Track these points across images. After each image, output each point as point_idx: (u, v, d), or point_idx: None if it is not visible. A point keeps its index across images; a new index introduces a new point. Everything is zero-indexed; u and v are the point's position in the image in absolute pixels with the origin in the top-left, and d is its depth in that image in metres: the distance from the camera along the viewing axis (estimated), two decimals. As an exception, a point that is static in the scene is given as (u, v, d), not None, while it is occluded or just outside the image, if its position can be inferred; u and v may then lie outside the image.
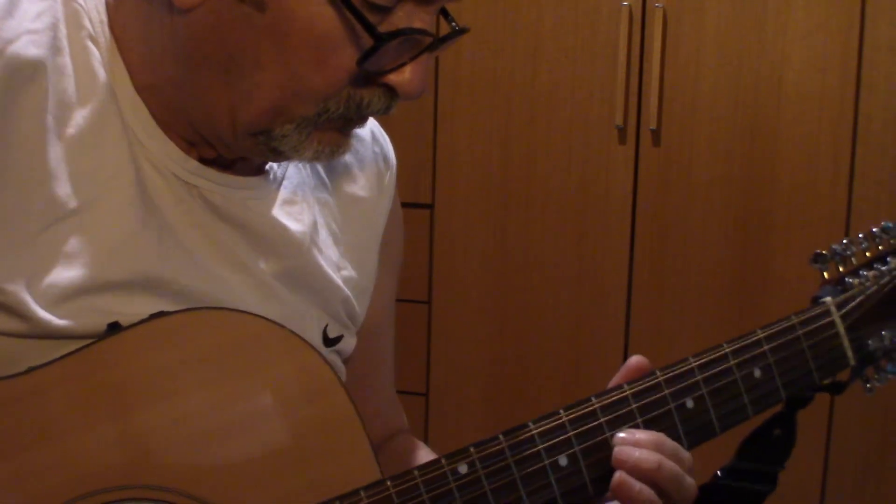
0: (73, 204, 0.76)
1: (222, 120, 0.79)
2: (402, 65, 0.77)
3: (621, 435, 0.81)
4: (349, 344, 0.95)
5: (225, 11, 0.75)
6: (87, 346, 0.73)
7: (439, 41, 0.78)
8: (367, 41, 0.74)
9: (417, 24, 0.76)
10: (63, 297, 0.75)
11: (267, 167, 0.89)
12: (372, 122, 1.01)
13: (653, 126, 2.24)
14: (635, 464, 0.79)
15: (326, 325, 0.91)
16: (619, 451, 0.80)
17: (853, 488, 2.20)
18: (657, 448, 0.80)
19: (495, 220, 2.39)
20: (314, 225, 0.91)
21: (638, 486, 0.79)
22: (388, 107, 0.80)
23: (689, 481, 0.81)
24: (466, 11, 2.29)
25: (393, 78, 0.77)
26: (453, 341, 2.44)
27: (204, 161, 0.84)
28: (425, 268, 2.43)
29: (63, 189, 0.76)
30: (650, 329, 2.31)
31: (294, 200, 0.90)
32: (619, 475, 0.79)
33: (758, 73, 2.18)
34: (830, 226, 2.17)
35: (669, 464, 0.80)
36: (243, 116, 0.78)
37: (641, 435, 0.81)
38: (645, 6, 2.23)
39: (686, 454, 0.83)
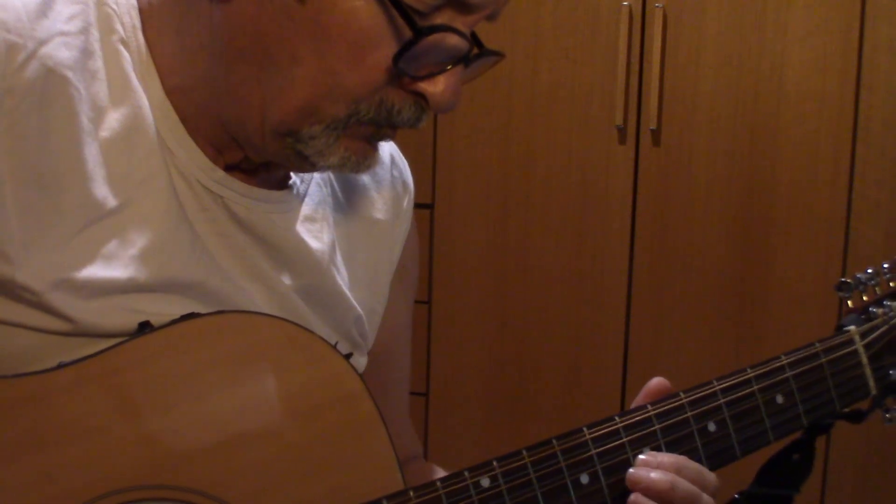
0: (109, 206, 0.76)
1: (253, 117, 0.78)
2: (437, 74, 0.77)
3: (643, 457, 0.82)
4: (358, 364, 0.95)
5: (264, 2, 0.75)
6: (118, 344, 0.73)
7: (475, 55, 0.78)
8: (407, 37, 0.74)
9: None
10: (95, 296, 0.75)
11: (291, 182, 0.89)
12: (391, 146, 1.01)
13: (653, 126, 2.24)
14: (649, 485, 0.80)
15: (336, 343, 0.91)
16: (634, 473, 0.81)
17: (853, 488, 2.22)
18: (677, 470, 0.81)
19: (495, 220, 2.38)
20: (333, 244, 0.91)
21: None
22: (419, 118, 0.79)
23: (707, 501, 0.82)
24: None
25: (426, 87, 0.77)
26: (453, 341, 2.44)
27: (230, 167, 0.84)
28: (425, 268, 2.42)
29: (99, 191, 0.76)
30: (650, 329, 2.32)
31: (315, 218, 0.90)
32: (633, 496, 0.80)
33: (758, 73, 2.18)
34: (830, 226, 2.17)
35: (684, 484, 0.81)
36: (274, 113, 0.77)
37: (664, 457, 0.82)
38: (645, 6, 2.22)
39: (710, 476, 0.83)
